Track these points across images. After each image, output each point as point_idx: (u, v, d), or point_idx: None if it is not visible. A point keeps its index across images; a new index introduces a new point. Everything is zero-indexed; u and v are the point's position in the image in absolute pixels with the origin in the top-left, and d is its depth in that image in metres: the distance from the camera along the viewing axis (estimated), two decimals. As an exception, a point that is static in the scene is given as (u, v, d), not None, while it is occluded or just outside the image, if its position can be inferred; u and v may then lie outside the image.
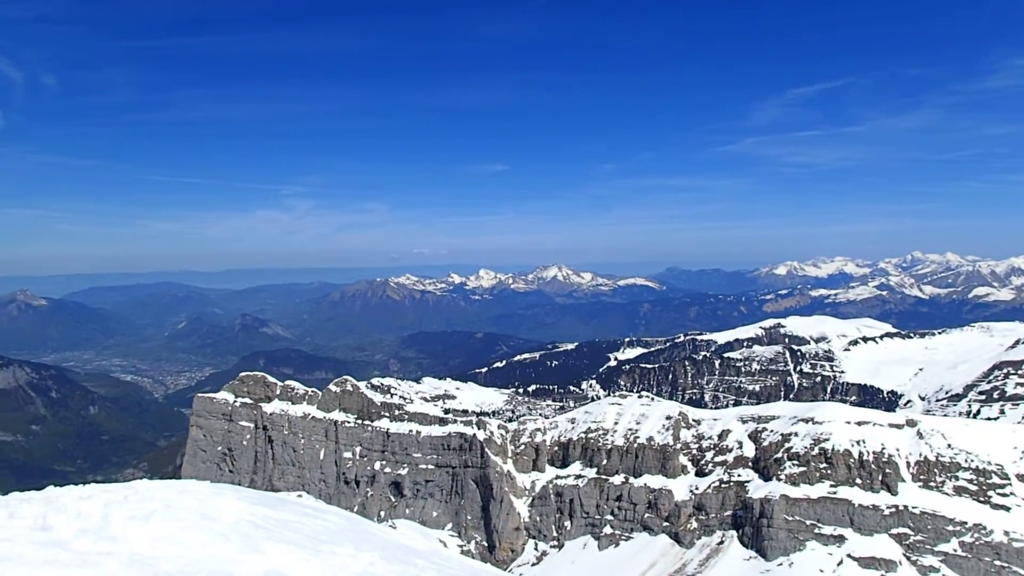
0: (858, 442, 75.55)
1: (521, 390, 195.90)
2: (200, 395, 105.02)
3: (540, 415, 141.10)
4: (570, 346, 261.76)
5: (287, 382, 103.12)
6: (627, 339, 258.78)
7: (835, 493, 72.86)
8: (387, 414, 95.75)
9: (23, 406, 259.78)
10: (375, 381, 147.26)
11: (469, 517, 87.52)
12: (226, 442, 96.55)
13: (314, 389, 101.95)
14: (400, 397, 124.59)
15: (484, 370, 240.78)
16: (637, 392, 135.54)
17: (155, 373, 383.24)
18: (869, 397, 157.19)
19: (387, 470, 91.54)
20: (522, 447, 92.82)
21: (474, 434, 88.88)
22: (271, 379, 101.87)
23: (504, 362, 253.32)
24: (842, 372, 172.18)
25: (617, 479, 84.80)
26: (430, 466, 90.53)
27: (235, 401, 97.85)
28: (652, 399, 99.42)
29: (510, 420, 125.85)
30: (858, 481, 73.45)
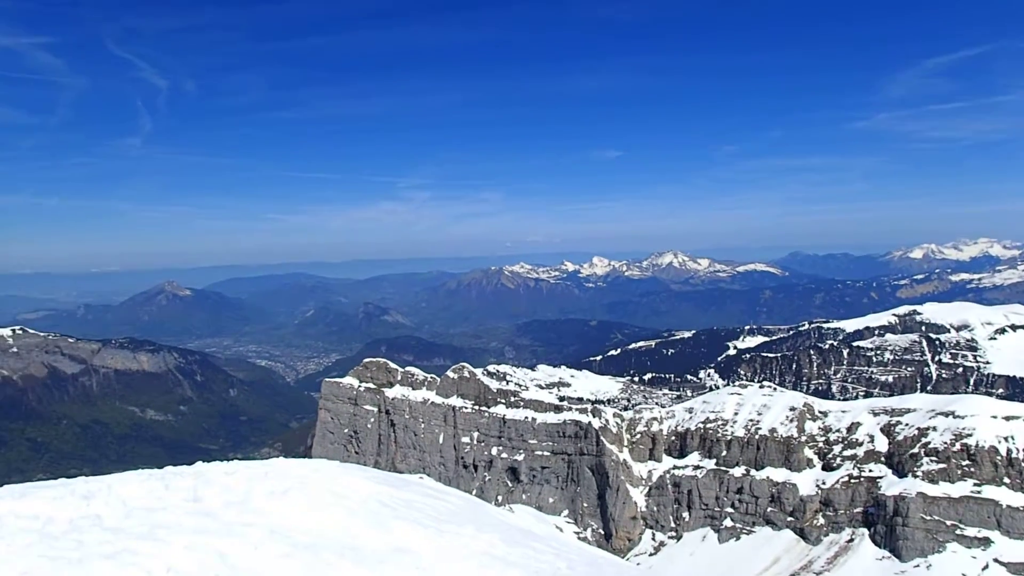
0: (1006, 438, 69.76)
1: (636, 379, 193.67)
2: (328, 380, 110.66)
3: (656, 404, 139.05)
4: (687, 334, 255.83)
5: (407, 368, 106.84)
6: (747, 327, 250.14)
7: (979, 492, 67.66)
8: (503, 400, 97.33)
9: (172, 388, 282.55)
10: (491, 368, 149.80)
11: (585, 504, 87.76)
12: (352, 425, 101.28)
13: (433, 375, 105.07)
14: (515, 384, 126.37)
15: (598, 358, 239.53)
16: (758, 382, 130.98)
17: (287, 359, 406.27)
18: (1020, 390, 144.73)
19: (504, 455, 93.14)
20: (638, 436, 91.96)
21: (589, 422, 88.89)
22: (392, 365, 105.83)
23: (619, 350, 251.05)
24: (987, 363, 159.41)
25: (738, 471, 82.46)
26: (546, 453, 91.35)
27: (359, 386, 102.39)
28: (775, 389, 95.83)
29: (625, 408, 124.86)
30: (1006, 480, 67.92)
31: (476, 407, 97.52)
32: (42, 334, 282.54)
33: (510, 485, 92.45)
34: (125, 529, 9.64)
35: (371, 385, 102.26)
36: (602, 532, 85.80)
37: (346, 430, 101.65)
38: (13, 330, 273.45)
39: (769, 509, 78.84)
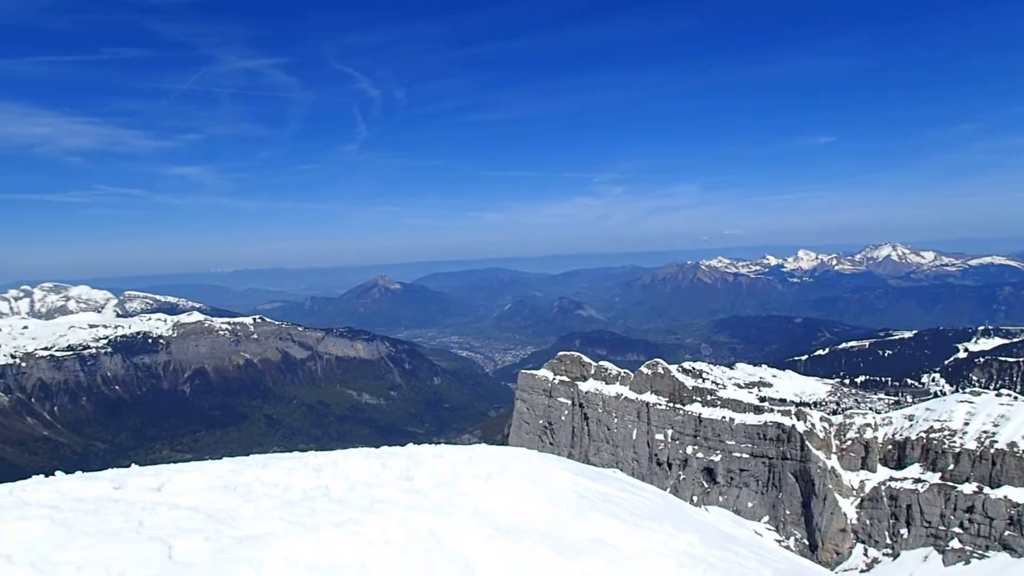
0: None
1: (847, 381, 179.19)
2: (524, 372, 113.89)
3: (871, 409, 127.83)
4: (907, 334, 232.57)
5: (601, 362, 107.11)
6: (981, 327, 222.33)
7: None
8: (699, 399, 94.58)
9: (384, 375, 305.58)
10: (686, 365, 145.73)
11: (788, 512, 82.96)
12: (546, 416, 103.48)
13: (626, 370, 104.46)
14: (712, 382, 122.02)
15: (804, 358, 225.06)
16: (994, 390, 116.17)
17: (485, 350, 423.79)
18: None
19: (699, 455, 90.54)
20: (848, 443, 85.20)
21: (793, 425, 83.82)
22: (586, 359, 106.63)
23: (827, 350, 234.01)
24: None
25: (968, 488, 73.71)
26: (744, 455, 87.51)
27: (554, 378, 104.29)
28: (1015, 398, 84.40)
29: (834, 413, 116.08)
30: None
31: (670, 404, 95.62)
32: (276, 323, 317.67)
33: (706, 486, 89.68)
34: (349, 501, 10.58)
35: (565, 378, 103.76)
36: (806, 542, 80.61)
37: (541, 421, 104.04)
38: (253, 319, 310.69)
39: (1007, 533, 69.70)
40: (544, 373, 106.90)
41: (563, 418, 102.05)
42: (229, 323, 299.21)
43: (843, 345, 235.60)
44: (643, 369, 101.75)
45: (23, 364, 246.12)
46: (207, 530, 8.70)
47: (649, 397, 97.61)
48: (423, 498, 10.97)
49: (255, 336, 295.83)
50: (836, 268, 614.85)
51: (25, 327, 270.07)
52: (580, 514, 11.26)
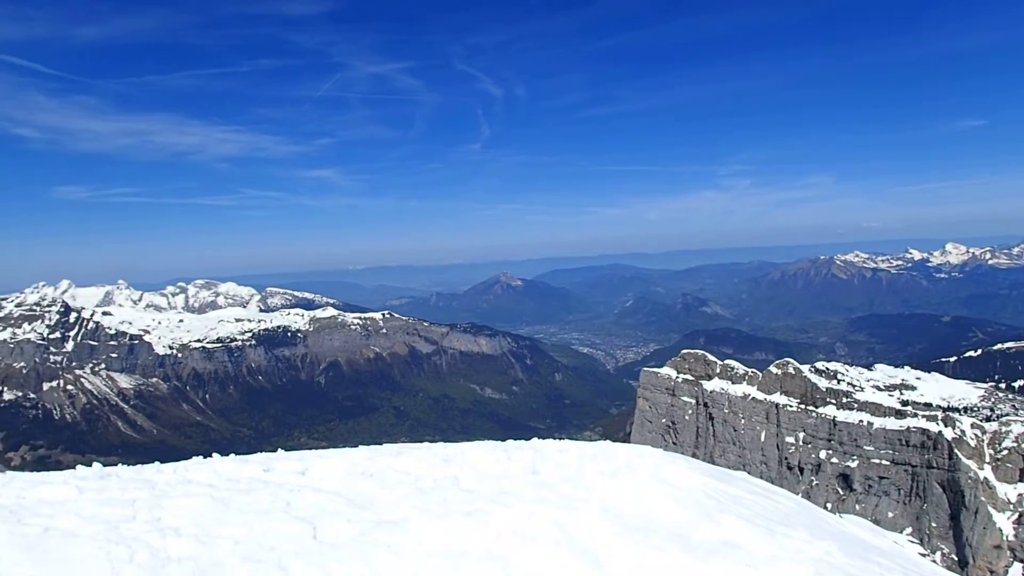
0: None
1: (1003, 385, 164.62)
2: (646, 369, 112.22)
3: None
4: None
5: (727, 361, 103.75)
6: None
7: None
8: (833, 401, 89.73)
9: (506, 370, 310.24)
10: (819, 365, 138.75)
11: (934, 524, 77.21)
12: (669, 415, 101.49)
13: (754, 370, 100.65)
14: (848, 384, 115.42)
15: (952, 359, 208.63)
16: None
17: (607, 347, 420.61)
18: None
19: (834, 460, 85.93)
20: (1004, 453, 78.15)
21: (940, 431, 77.86)
22: (711, 357, 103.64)
23: (979, 351, 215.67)
24: None
25: None
26: (884, 461, 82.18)
27: (677, 377, 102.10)
28: None
29: (987, 419, 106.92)
30: None
31: (802, 406, 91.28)
32: (404, 318, 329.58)
33: (841, 493, 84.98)
34: (478, 491, 10.86)
35: (689, 376, 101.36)
36: (955, 558, 74.71)
37: (664, 420, 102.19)
38: (383, 314, 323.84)
39: None
40: (667, 371, 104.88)
41: (687, 417, 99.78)
42: (360, 318, 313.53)
43: (999, 346, 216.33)
44: (772, 369, 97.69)
45: (179, 355, 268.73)
46: (348, 513, 9.20)
47: (779, 398, 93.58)
48: (549, 491, 11.09)
49: (384, 331, 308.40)
50: (990, 262, 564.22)
51: (181, 320, 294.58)
52: (709, 515, 11.02)
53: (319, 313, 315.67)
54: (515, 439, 17.65)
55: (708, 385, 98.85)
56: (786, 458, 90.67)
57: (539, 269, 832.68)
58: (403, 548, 8.12)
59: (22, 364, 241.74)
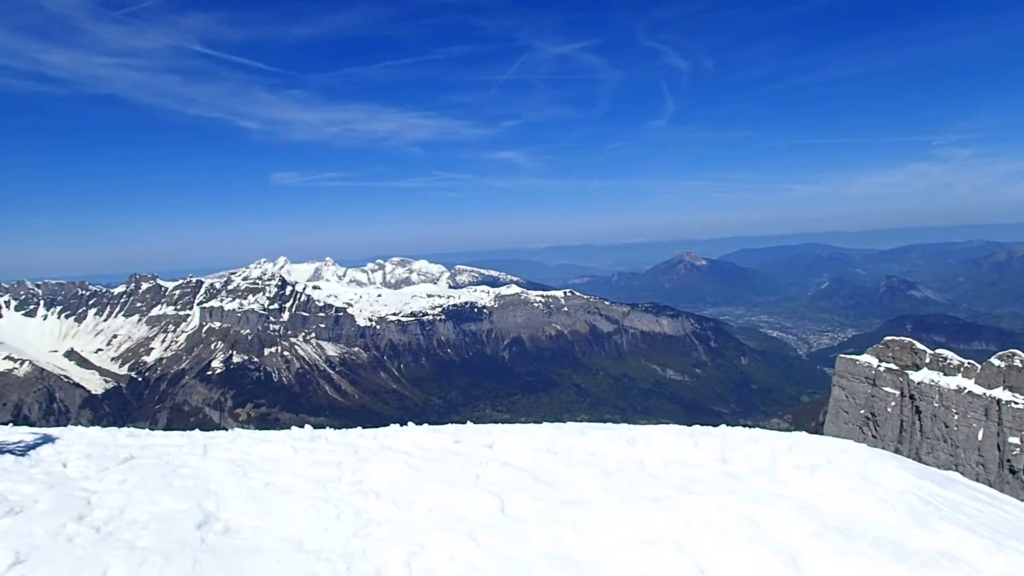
0: None
1: None
2: (843, 356, 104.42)
3: None
4: None
5: (938, 350, 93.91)
6: None
7: None
8: (1073, 400, 78.47)
9: (688, 351, 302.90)
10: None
11: None
12: (868, 406, 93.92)
13: (971, 361, 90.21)
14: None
15: None
16: None
17: (798, 331, 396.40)
18: None
19: (1072, 468, 75.33)
20: None
21: None
22: (919, 346, 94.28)
23: None
24: None
25: None
26: None
27: (879, 365, 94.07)
28: None
29: None
30: None
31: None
32: (585, 297, 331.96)
33: (1080, 505, 74.47)
34: (664, 478, 10.57)
35: (892, 366, 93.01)
36: None
37: (862, 411, 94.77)
38: (564, 293, 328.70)
39: None
40: (867, 359, 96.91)
41: (889, 410, 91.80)
42: (543, 296, 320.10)
43: None
44: (994, 360, 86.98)
45: (377, 327, 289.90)
46: (534, 489, 9.32)
47: (1001, 393, 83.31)
48: (740, 483, 10.54)
49: (565, 309, 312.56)
50: None
51: (379, 295, 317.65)
52: (924, 522, 9.94)
53: (503, 290, 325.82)
54: (699, 423, 17.05)
55: (915, 376, 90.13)
56: (1008, 460, 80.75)
57: (725, 248, 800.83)
58: (588, 529, 8.07)
59: (247, 331, 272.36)
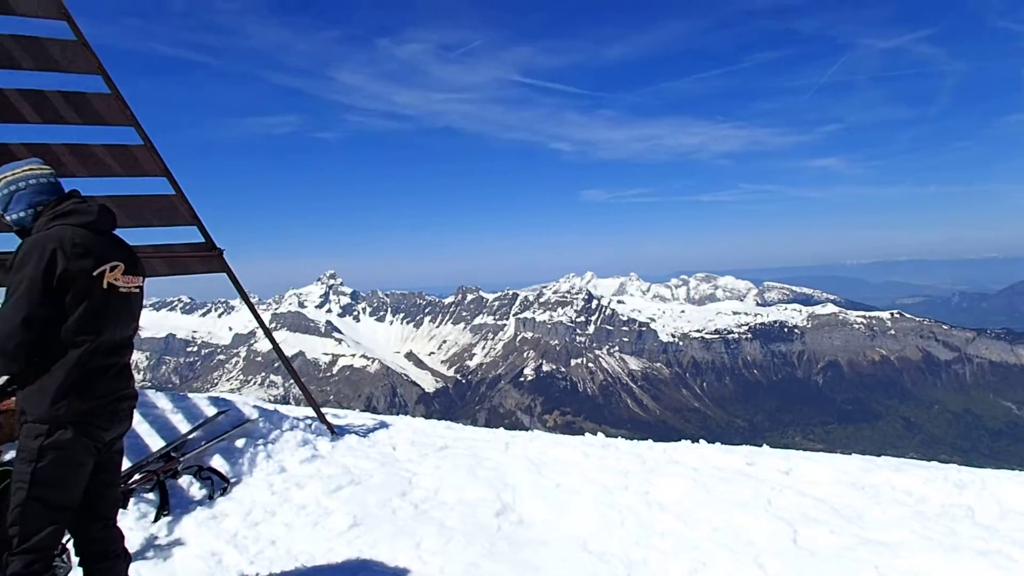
0: None
1: None
2: None
3: None
4: None
5: None
6: None
7: None
8: None
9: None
10: None
11: None
12: None
13: None
14: None
15: None
16: None
17: None
18: None
19: None
20: None
21: None
22: None
23: None
24: None
25: None
26: None
27: None
28: None
29: None
30: None
31: None
32: (917, 319, 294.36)
33: None
34: (998, 529, 9.06)
35: None
36: None
37: None
38: (891, 314, 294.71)
39: None
40: None
41: None
42: (864, 317, 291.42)
43: None
44: None
45: (680, 343, 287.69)
46: (832, 523, 8.62)
47: None
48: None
49: (892, 332, 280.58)
50: None
51: (682, 311, 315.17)
52: None
53: (818, 309, 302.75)
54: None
55: None
56: None
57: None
58: (892, 573, 7.27)
59: (556, 342, 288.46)
